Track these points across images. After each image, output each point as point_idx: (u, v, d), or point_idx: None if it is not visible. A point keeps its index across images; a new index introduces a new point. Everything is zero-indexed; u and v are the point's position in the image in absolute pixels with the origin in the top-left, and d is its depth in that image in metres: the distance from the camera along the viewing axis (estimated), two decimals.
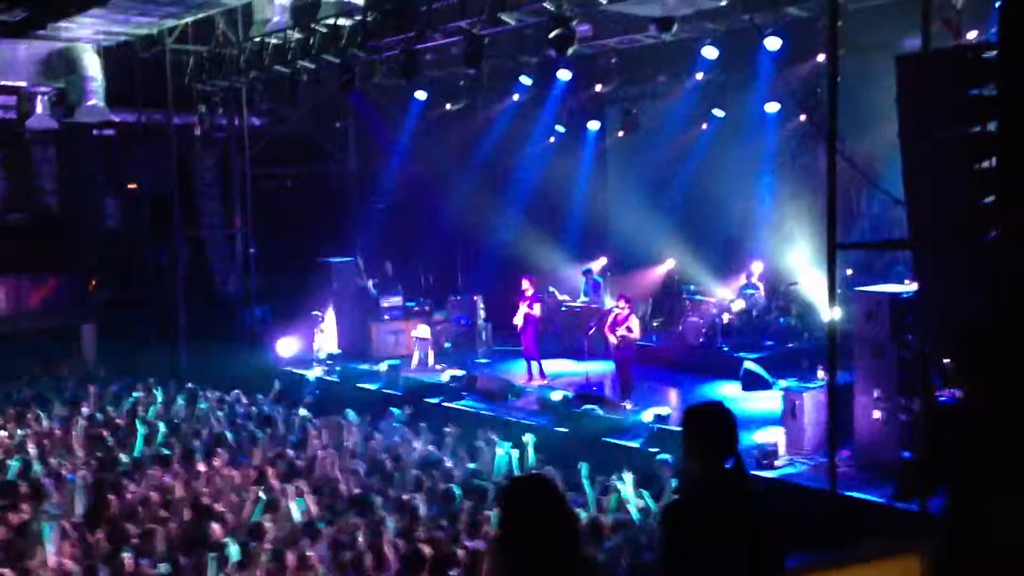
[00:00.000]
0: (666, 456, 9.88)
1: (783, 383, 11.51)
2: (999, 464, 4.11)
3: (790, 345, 14.52)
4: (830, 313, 9.28)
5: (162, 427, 12.05)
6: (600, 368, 14.24)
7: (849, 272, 13.37)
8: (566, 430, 12.03)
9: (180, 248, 18.75)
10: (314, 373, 16.55)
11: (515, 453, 10.49)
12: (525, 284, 15.10)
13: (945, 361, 7.12)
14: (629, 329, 13.14)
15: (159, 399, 14.02)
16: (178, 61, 17.83)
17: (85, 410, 13.19)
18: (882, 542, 5.81)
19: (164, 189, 18.97)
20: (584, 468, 9.15)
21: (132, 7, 14.26)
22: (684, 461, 4.07)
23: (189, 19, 16.16)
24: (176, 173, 18.56)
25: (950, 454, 4.39)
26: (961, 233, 8.10)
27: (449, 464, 10.63)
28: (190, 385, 14.63)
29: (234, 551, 7.43)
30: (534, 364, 15.06)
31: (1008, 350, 3.08)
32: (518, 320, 14.99)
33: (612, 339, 13.27)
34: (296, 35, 15.27)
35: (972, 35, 10.13)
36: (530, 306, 14.93)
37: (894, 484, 8.36)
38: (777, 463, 9.97)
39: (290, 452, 11.03)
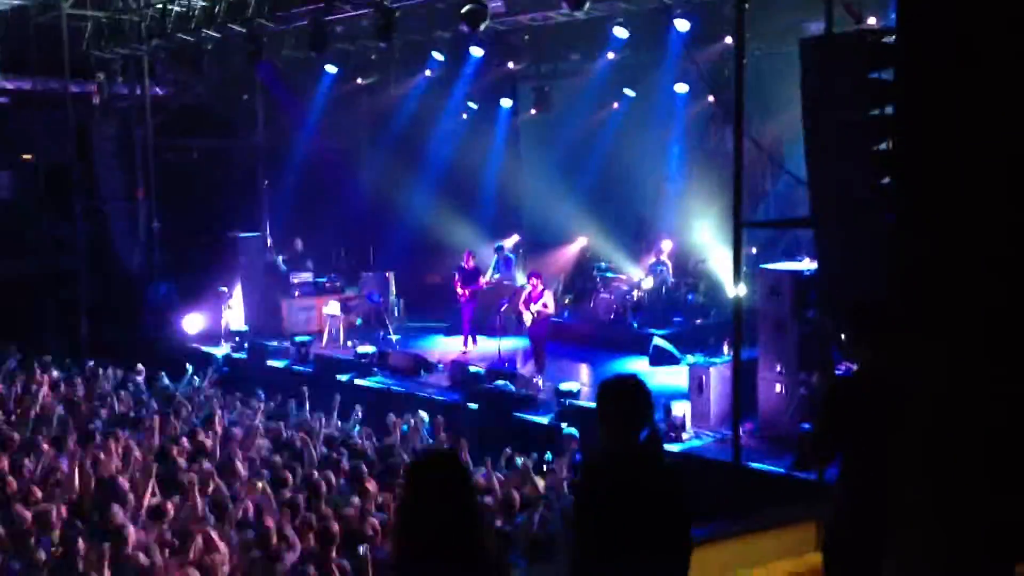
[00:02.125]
0: (572, 430, 10.01)
1: (690, 358, 11.74)
2: (888, 434, 4.26)
3: (698, 321, 14.84)
4: (735, 290, 9.50)
5: (60, 405, 11.65)
6: (512, 344, 14.31)
7: (755, 250, 13.70)
8: (477, 406, 12.07)
9: (79, 221, 18.08)
10: (221, 350, 16.21)
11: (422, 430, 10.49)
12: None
13: (842, 336, 7.37)
14: (544, 305, 13.21)
15: (56, 376, 13.54)
16: (76, 27, 17.12)
17: None
18: (782, 511, 6.01)
19: (62, 160, 18.24)
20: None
21: None
22: (599, 433, 4.08)
23: None
24: (74, 143, 17.85)
25: (842, 424, 4.53)
26: (860, 213, 8.38)
27: (358, 441, 10.56)
28: (90, 363, 14.17)
29: (133, 533, 7.24)
30: (444, 339, 15.04)
31: (901, 324, 3.19)
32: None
33: (526, 316, 13.33)
34: (201, 3, 14.84)
35: (872, 21, 10.46)
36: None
37: (793, 455, 8.64)
38: (684, 436, 10.20)
39: (195, 430, 10.78)
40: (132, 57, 17.44)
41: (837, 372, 7.66)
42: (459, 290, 15.24)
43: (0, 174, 19.50)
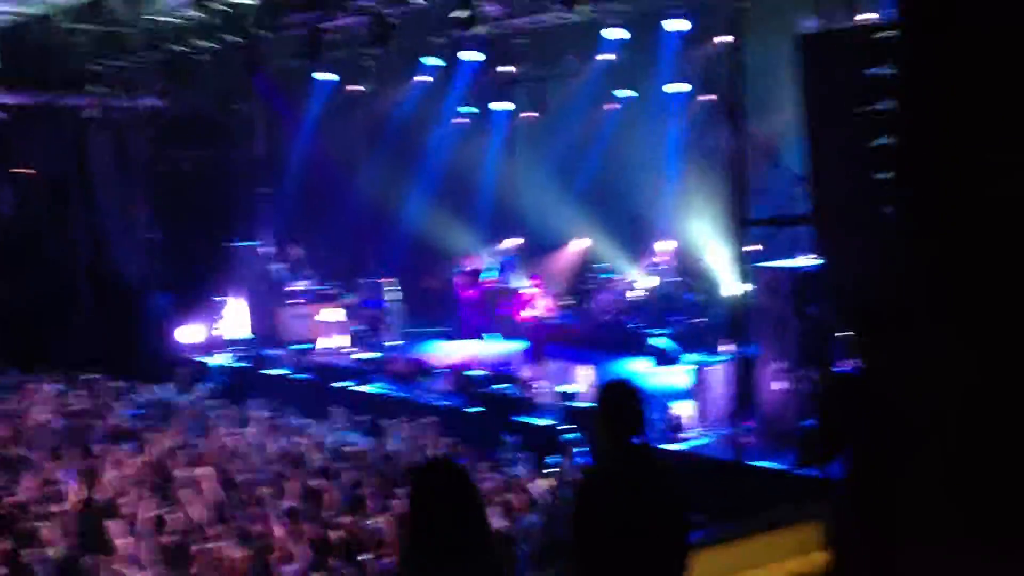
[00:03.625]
0: (572, 435, 9.95)
1: (691, 358, 11.68)
2: (893, 432, 4.20)
3: (697, 320, 14.76)
4: (736, 288, 9.43)
5: (58, 420, 11.60)
6: (512, 347, 14.24)
7: (753, 248, 13.61)
8: (478, 410, 12.00)
9: (78, 234, 18.03)
10: (219, 360, 16.15)
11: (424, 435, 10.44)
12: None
13: (846, 333, 7.30)
14: (539, 309, 13.16)
15: (57, 389, 13.50)
16: (72, 41, 17.09)
17: None
18: (785, 510, 5.94)
19: (60, 174, 18.19)
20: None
21: None
22: (597, 437, 4.18)
23: None
24: (72, 157, 17.82)
25: (847, 422, 4.48)
26: (861, 208, 8.35)
27: (358, 449, 10.50)
28: (89, 375, 14.12)
29: (128, 547, 7.19)
30: (443, 344, 14.99)
31: (903, 323, 3.15)
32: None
33: (524, 318, 13.27)
34: (196, 13, 14.79)
35: (867, 16, 10.39)
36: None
37: (795, 452, 8.57)
38: (685, 436, 10.13)
39: (193, 441, 10.74)
40: (128, 69, 17.41)
41: (841, 369, 7.58)
42: (461, 293, 15.12)
43: (2, 190, 19.47)
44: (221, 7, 14.31)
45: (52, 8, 15.72)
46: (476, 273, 15.37)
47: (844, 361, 7.69)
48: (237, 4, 14.03)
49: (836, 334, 8.43)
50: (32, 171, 19.25)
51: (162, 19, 15.25)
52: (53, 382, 13.96)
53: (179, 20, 15.11)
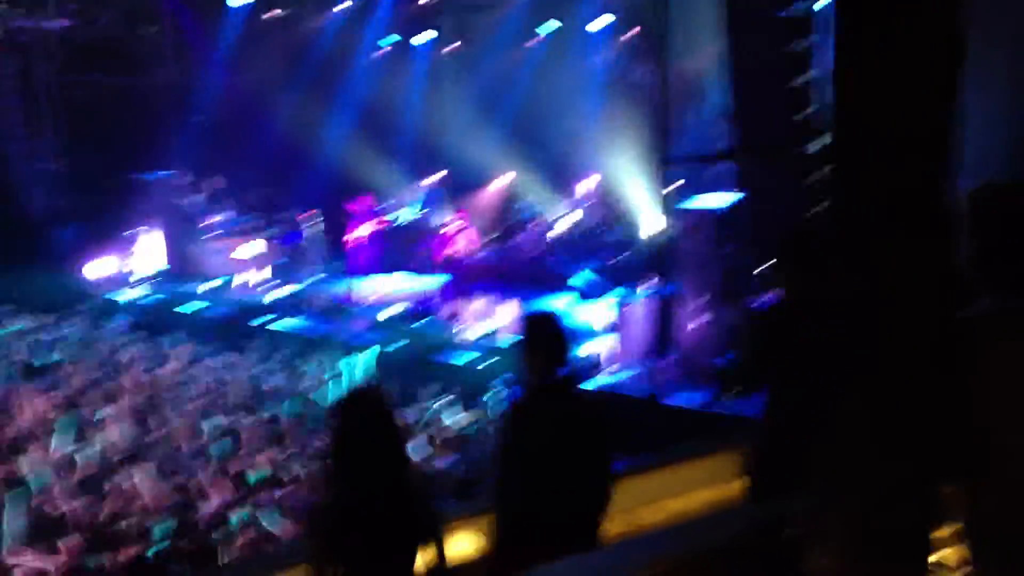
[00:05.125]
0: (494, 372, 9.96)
1: (612, 294, 11.76)
2: (811, 362, 4.27)
3: (620, 257, 14.85)
4: (657, 226, 9.48)
5: None
6: (434, 284, 14.16)
7: (676, 186, 13.70)
8: (397, 347, 11.92)
9: None
10: (131, 295, 15.69)
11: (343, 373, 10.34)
12: (359, 205, 14.73)
13: (765, 266, 7.42)
14: (461, 245, 13.07)
15: None
16: None
17: None
18: (702, 442, 6.06)
19: None
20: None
21: None
22: (521, 368, 4.19)
23: None
24: None
25: (765, 353, 4.55)
26: (782, 146, 8.45)
27: (275, 387, 10.35)
28: None
29: (37, 483, 7.00)
30: (359, 280, 14.83)
31: (830, 250, 3.18)
32: (352, 238, 14.68)
33: (447, 254, 13.18)
34: None
35: None
36: (364, 223, 14.62)
37: (713, 386, 8.74)
38: (606, 371, 10.23)
39: (104, 378, 10.45)
40: None
41: (760, 302, 7.72)
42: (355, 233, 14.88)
43: None
44: None
45: None
46: (369, 211, 15.15)
47: (761, 296, 7.84)
48: None
49: (755, 271, 8.56)
50: None
51: None
52: None
53: None
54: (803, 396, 4.24)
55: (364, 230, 14.71)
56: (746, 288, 8.56)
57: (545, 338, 4.11)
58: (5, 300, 14.13)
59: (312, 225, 16.96)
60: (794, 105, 8.46)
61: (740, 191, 8.96)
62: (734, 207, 9.58)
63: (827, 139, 7.95)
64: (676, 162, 10.90)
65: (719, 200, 10.19)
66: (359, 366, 10.60)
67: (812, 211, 7.64)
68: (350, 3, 17.37)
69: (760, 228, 8.42)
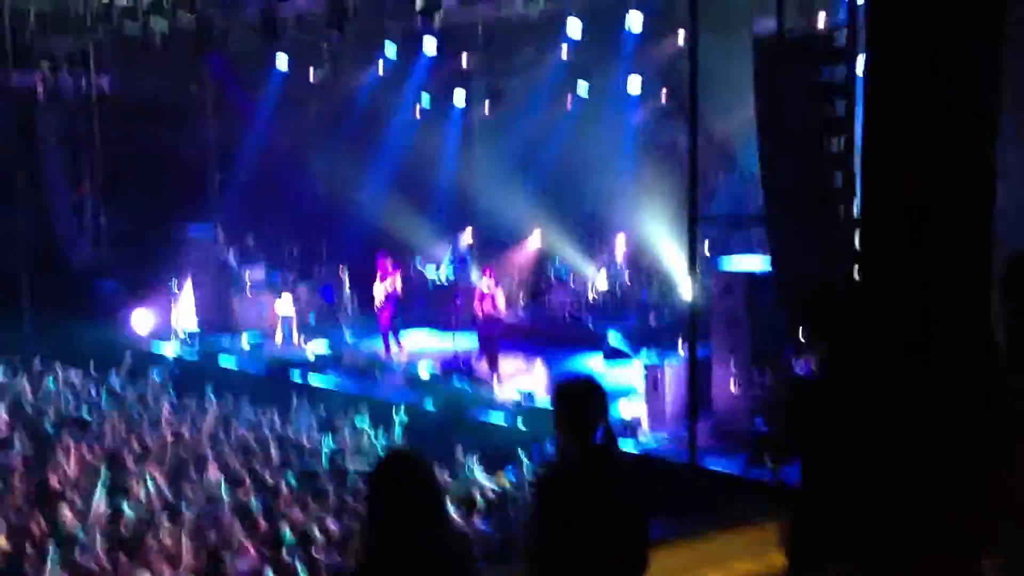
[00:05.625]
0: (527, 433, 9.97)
1: (644, 356, 11.78)
2: (849, 433, 4.30)
3: (651, 319, 14.90)
4: (689, 287, 9.55)
5: (4, 407, 11.37)
6: (466, 343, 14.26)
7: (707, 247, 13.78)
8: (434, 406, 12.00)
9: (23, 217, 17.63)
10: (171, 349, 15.93)
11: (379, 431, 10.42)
12: (383, 262, 14.92)
13: (799, 334, 7.45)
14: (495, 304, 13.19)
15: (1, 377, 13.22)
16: (19, 13, 16.67)
17: None
18: (740, 511, 6.04)
19: (6, 154, 17.79)
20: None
21: None
22: (556, 434, 4.11)
23: None
24: (19, 137, 17.42)
25: (804, 423, 4.55)
26: (813, 209, 8.50)
27: (311, 444, 10.44)
28: (36, 362, 13.84)
29: (82, 537, 7.10)
30: (392, 338, 14.98)
31: (862, 319, 3.22)
32: (378, 296, 14.84)
33: (478, 314, 13.30)
34: None
35: (822, 20, 10.55)
36: (391, 283, 14.76)
37: (749, 454, 8.71)
38: (640, 436, 10.23)
39: (145, 432, 10.59)
40: (77, 47, 17.06)
41: (794, 370, 7.74)
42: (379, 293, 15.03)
43: None
44: None
45: None
46: (402, 268, 15.34)
47: (796, 361, 7.87)
48: None
49: (788, 335, 8.58)
50: None
51: None
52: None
53: None
54: (839, 468, 4.27)
55: (397, 286, 14.90)
56: (779, 352, 8.58)
57: (579, 403, 4.02)
58: (49, 351, 14.40)
59: (346, 281, 17.19)
60: (826, 169, 8.50)
61: (771, 254, 9.02)
62: (765, 270, 9.64)
63: (857, 204, 8.01)
64: (707, 223, 10.98)
65: (751, 262, 10.27)
66: (394, 423, 10.67)
67: (843, 277, 7.67)
68: (384, 67, 17.75)
69: (791, 292, 8.45)
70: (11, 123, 17.53)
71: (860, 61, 7.90)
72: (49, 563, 6.77)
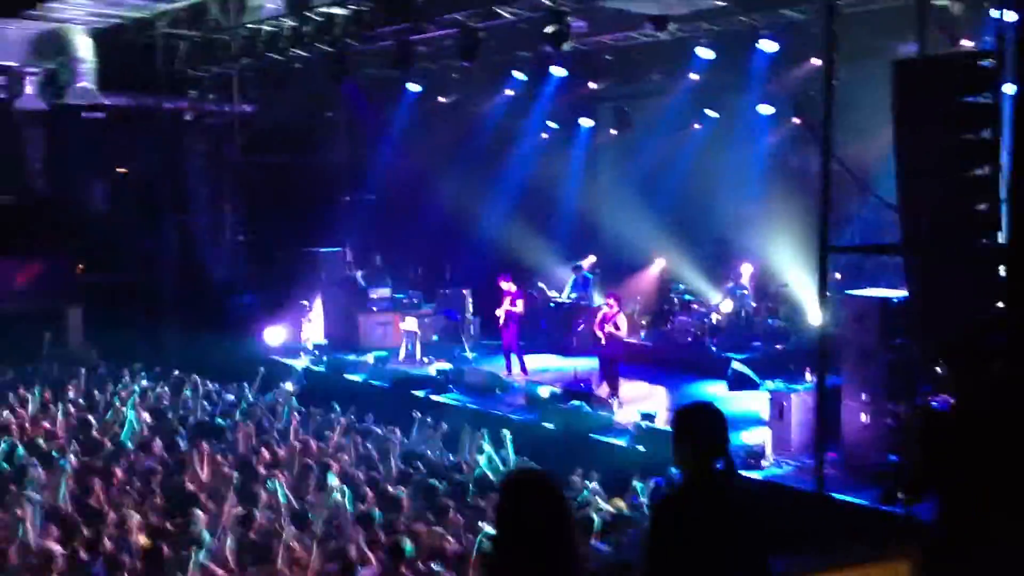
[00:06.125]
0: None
1: (770, 384, 11.52)
2: (990, 471, 4.11)
3: (778, 347, 14.56)
4: (819, 315, 9.30)
5: (147, 413, 11.98)
6: (587, 365, 14.25)
7: (838, 276, 13.40)
8: (553, 426, 12.03)
9: (168, 233, 18.62)
10: (301, 363, 16.49)
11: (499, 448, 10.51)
12: (506, 284, 15.07)
13: (936, 368, 7.15)
14: (616, 327, 13.14)
15: (144, 384, 13.95)
16: (170, 45, 17.69)
17: (70, 394, 13.11)
18: (869, 546, 5.83)
19: (153, 174, 18.85)
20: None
21: None
22: (675, 460, 4.07)
23: (182, 3, 16.05)
24: (166, 158, 18.43)
25: (942, 460, 4.38)
26: (955, 239, 8.15)
27: (433, 458, 10.61)
28: (176, 371, 14.56)
29: (208, 540, 7.39)
30: (514, 359, 15.08)
31: (1004, 356, 3.09)
32: (500, 317, 14.99)
33: (600, 336, 13.27)
34: (289, 23, 15.18)
35: (967, 43, 10.18)
36: (512, 303, 14.94)
37: (880, 487, 8.39)
38: (764, 464, 10.00)
39: (274, 442, 10.97)
40: (223, 75, 17.95)
41: (931, 404, 7.43)
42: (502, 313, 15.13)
43: (97, 187, 20.20)
44: (314, 17, 14.64)
45: (153, 13, 16.28)
46: (524, 290, 15.43)
47: (934, 396, 7.55)
48: (329, 14, 14.33)
49: (924, 368, 8.24)
50: (126, 170, 19.95)
51: (258, 27, 15.65)
52: (141, 377, 14.44)
53: (274, 28, 15.50)
54: (978, 507, 4.08)
55: (519, 308, 15.04)
56: (914, 385, 8.25)
57: (700, 430, 3.97)
58: (189, 363, 15.12)
59: (469, 301, 17.45)
60: (969, 197, 8.15)
61: (908, 284, 8.69)
62: (902, 299, 9.30)
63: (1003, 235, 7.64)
64: (840, 252, 10.68)
65: (886, 291, 9.93)
66: (514, 441, 10.74)
67: (986, 310, 7.33)
68: (511, 92, 18.00)
69: (930, 323, 8.12)
70: (160, 146, 18.55)
71: (1007, 87, 7.59)
72: (191, 566, 7.05)
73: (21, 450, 10.18)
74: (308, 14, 14.69)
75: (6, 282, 18.64)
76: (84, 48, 15.74)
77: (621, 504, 8.82)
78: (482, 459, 10.23)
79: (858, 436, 9.53)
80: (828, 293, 9.38)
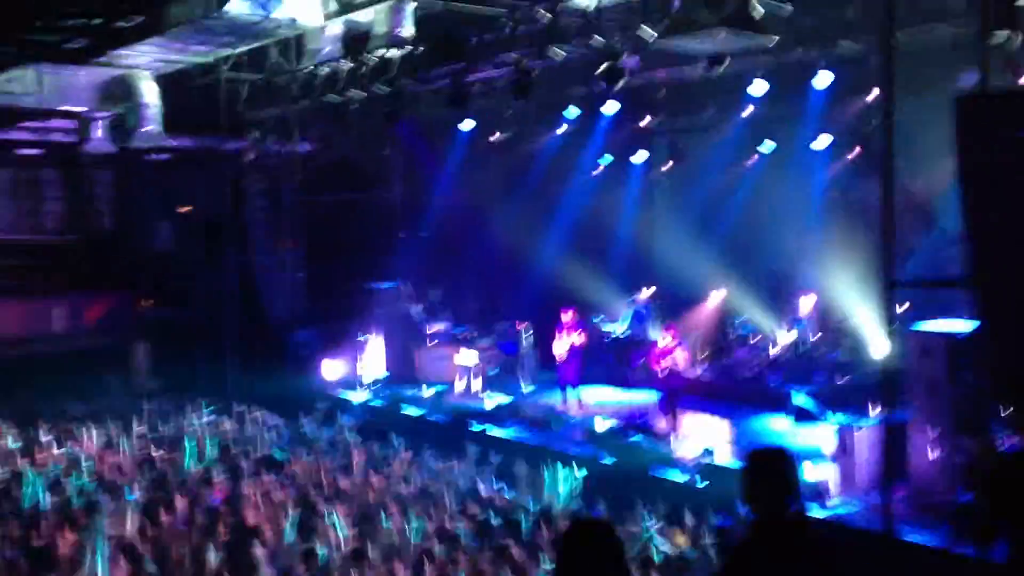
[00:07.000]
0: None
1: (833, 418, 11.33)
2: None
3: (839, 380, 14.32)
4: (884, 349, 9.15)
5: (210, 446, 12.18)
6: (646, 399, 14.16)
7: (902, 309, 13.17)
8: (612, 461, 11.96)
9: (230, 270, 19.01)
10: (359, 397, 16.65)
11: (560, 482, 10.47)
12: (567, 316, 15.12)
13: (1006, 402, 6.99)
14: (675, 361, 13.06)
15: (208, 418, 14.20)
16: (232, 88, 18.17)
17: (137, 428, 13.39)
18: None
19: (216, 213, 19.31)
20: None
21: (190, 37, 14.53)
22: (746, 503, 4.05)
23: (244, 48, 16.47)
24: (228, 197, 18.86)
25: (1011, 503, 4.27)
26: (1021, 272, 7.99)
27: (490, 493, 10.61)
28: (238, 406, 14.80)
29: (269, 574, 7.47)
30: (571, 392, 15.05)
31: None
32: (560, 350, 15.02)
33: (657, 370, 13.20)
34: (347, 65, 15.50)
35: None
36: (576, 334, 14.96)
37: (951, 527, 8.18)
38: (829, 502, 9.81)
39: (334, 475, 11.07)
40: (282, 116, 18.38)
41: (1000, 445, 7.25)
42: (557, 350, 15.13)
43: (161, 226, 20.74)
44: (371, 59, 14.92)
45: (216, 57, 16.73)
46: (581, 323, 15.43)
47: (1003, 435, 7.37)
48: (385, 56, 14.60)
49: (993, 404, 8.06)
50: (189, 209, 20.47)
51: (317, 70, 16.00)
52: (205, 411, 14.71)
53: (332, 70, 15.83)
54: None
55: (576, 341, 15.04)
56: (985, 422, 8.06)
57: (773, 475, 3.96)
58: (250, 397, 15.36)
59: (526, 336, 17.48)
60: None
61: (976, 318, 8.52)
62: (969, 333, 9.12)
63: None
64: (905, 286, 10.50)
65: (954, 325, 9.74)
66: (571, 476, 10.70)
67: None
68: (566, 128, 18.11)
69: (1001, 359, 7.94)
70: (222, 185, 19.00)
71: None
72: None
73: (91, 484, 10.41)
74: (365, 56, 14.98)
75: (75, 319, 19.16)
76: (150, 93, 16.20)
77: (681, 541, 8.72)
78: (541, 495, 10.21)
79: (927, 472, 9.32)
80: (893, 326, 9.23)
